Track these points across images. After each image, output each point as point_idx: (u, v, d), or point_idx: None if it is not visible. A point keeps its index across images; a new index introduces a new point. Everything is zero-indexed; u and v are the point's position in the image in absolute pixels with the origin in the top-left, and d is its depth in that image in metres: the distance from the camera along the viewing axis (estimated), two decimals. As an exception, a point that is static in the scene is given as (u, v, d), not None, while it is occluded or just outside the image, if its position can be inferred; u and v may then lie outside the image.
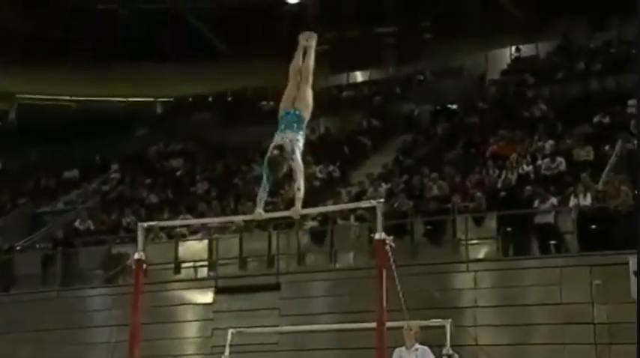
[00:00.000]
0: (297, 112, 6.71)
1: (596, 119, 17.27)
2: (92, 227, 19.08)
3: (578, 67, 21.54)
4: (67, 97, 35.10)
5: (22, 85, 34.76)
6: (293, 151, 6.46)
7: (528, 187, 14.29)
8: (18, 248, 19.34)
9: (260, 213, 6.62)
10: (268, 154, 6.54)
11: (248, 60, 30.68)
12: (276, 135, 6.65)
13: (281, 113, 6.77)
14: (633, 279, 11.90)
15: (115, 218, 19.40)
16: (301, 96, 6.80)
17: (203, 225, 16.52)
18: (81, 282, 16.95)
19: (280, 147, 6.45)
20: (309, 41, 6.97)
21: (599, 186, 14.04)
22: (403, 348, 8.25)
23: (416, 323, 7.98)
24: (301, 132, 6.64)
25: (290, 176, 6.56)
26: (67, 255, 17.50)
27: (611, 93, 18.85)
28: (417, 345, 8.23)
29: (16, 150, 26.83)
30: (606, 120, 17.08)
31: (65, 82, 33.77)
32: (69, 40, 30.63)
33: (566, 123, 17.52)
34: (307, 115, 6.78)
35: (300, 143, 6.58)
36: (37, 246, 19.56)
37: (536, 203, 13.73)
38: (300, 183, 6.47)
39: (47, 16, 30.24)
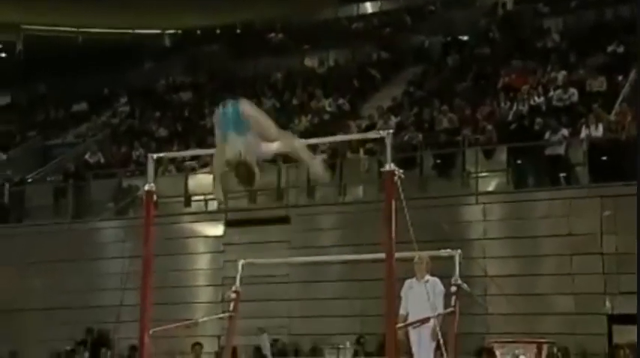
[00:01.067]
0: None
1: (610, 49, 17.02)
2: (102, 160, 19.16)
3: (593, -5, 21.14)
4: (74, 29, 34.74)
5: (28, 16, 34.38)
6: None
7: (539, 119, 14.18)
8: (29, 180, 19.46)
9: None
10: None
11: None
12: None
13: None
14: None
15: (124, 151, 19.46)
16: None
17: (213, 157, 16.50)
18: (92, 214, 17.10)
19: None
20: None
21: (612, 116, 13.93)
22: (414, 280, 8.33)
23: (427, 255, 8.03)
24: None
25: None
26: (78, 188, 17.63)
27: (625, 21, 18.49)
28: (428, 277, 8.30)
29: (24, 82, 26.76)
30: (620, 49, 16.83)
31: (72, 13, 33.33)
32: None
33: (579, 53, 17.31)
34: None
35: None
36: (48, 178, 19.68)
37: (547, 135, 13.65)
38: (307, 156, 5.64)
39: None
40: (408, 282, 8.32)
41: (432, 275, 8.48)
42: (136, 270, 7.25)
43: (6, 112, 25.71)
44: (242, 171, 5.19)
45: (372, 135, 7.87)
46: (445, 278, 8.18)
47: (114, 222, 16.46)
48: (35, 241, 16.05)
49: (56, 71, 26.05)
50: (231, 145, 5.19)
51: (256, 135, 5.24)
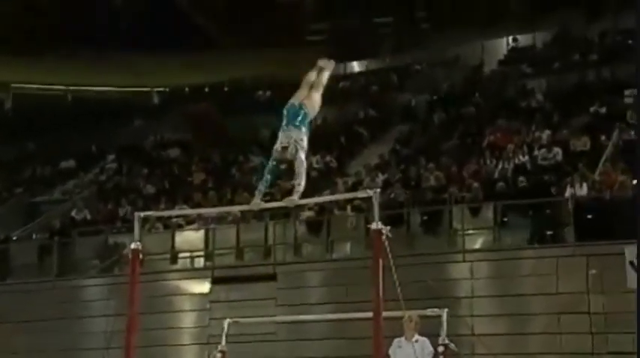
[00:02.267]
0: (302, 107, 6.90)
1: (592, 109, 17.27)
2: (89, 217, 19.06)
3: (575, 57, 21.52)
4: (63, 87, 35.03)
5: (17, 75, 34.66)
6: (297, 151, 6.64)
7: (522, 178, 14.30)
8: (14, 238, 19.30)
9: (257, 203, 6.69)
10: (274, 154, 6.72)
11: (245, 49, 30.63)
12: (280, 134, 6.78)
13: (287, 106, 6.90)
14: (629, 269, 11.92)
15: (111, 208, 19.37)
16: (310, 97, 7.06)
17: (200, 215, 16.51)
18: (77, 272, 16.93)
19: (284, 149, 6.65)
20: (326, 65, 7.41)
21: (596, 176, 14.05)
22: (402, 339, 8.22)
23: (416, 314, 7.96)
24: (304, 130, 6.79)
25: (290, 169, 6.61)
26: (63, 245, 17.48)
27: (607, 83, 18.84)
28: (417, 336, 8.21)
29: (12, 139, 26.75)
30: (603, 110, 17.09)
31: (61, 72, 33.70)
32: (64, 29, 30.53)
33: (562, 113, 17.53)
34: (312, 113, 6.99)
35: (304, 142, 6.76)
36: (34, 235, 19.53)
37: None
38: (302, 179, 6.66)
39: (43, 5, 30.13)
40: (396, 341, 8.22)
41: (421, 334, 8.40)
42: (120, 329, 7.16)
43: (-7, 169, 25.65)
44: (280, 153, 6.66)
45: (360, 194, 7.92)
46: (432, 337, 8.11)
47: (99, 279, 16.28)
48: (19, 299, 15.83)
49: (45, 129, 26.11)
50: (288, 134, 6.75)
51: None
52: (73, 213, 19.34)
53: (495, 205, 13.99)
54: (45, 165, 24.46)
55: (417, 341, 8.10)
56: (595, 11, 23.54)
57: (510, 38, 24.60)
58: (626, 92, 16.80)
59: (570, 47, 22.27)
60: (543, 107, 18.49)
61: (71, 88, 34.84)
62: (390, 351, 8.11)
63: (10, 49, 31.60)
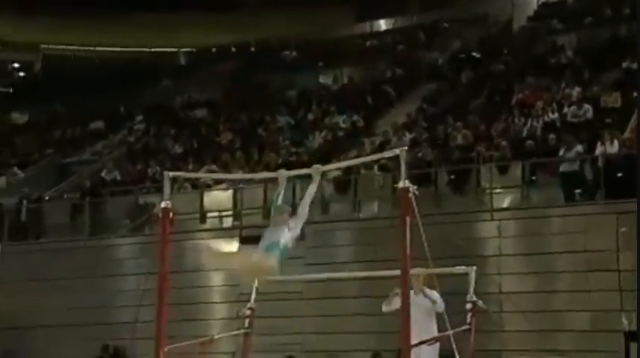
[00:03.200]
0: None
1: (624, 65, 16.96)
2: (118, 177, 19.24)
3: (607, 11, 21.08)
4: (92, 48, 35.14)
5: (47, 36, 34.81)
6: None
7: (552, 135, 14.14)
8: (47, 198, 19.57)
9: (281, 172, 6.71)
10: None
11: (270, 9, 30.41)
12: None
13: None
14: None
15: (140, 168, 19.54)
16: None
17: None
18: (109, 231, 17.16)
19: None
20: None
21: (627, 133, 13.86)
22: (411, 293, 8.15)
23: (423, 270, 7.95)
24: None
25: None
26: (94, 205, 17.70)
27: (640, 38, 18.46)
28: (426, 290, 8.21)
29: (42, 101, 26.99)
30: (634, 65, 16.74)
31: (89, 33, 33.75)
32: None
33: (593, 69, 17.26)
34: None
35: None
36: (65, 195, 19.78)
37: (561, 151, 13.60)
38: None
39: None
40: None
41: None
42: (151, 287, 7.26)
43: (24, 131, 25.94)
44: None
45: (387, 154, 7.87)
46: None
47: (130, 238, 16.49)
48: (52, 258, 16.11)
49: (73, 90, 26.30)
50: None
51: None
52: (103, 174, 19.54)
53: (524, 164, 13.89)
54: (74, 127, 24.69)
55: (424, 295, 8.14)
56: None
57: (540, -7, 24.17)
58: (660, 47, 16.46)
59: (602, 1, 21.80)
60: (573, 63, 18.21)
61: (100, 49, 34.94)
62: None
63: (39, 11, 31.71)
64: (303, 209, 6.52)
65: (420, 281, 8.17)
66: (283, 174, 6.90)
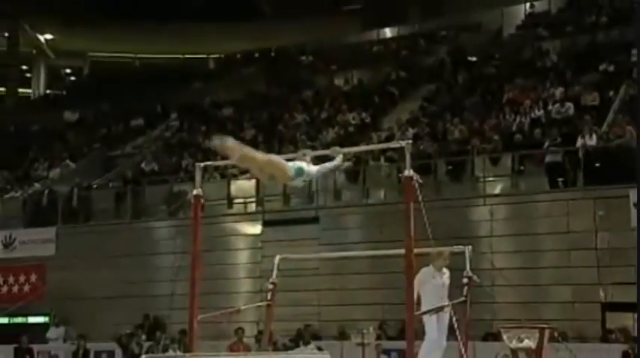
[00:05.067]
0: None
1: (602, 67, 16.79)
2: (156, 168, 19.27)
3: (587, 20, 20.85)
4: (132, 55, 35.26)
5: (93, 44, 34.96)
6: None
7: (538, 130, 14.05)
8: (94, 186, 19.66)
9: (304, 152, 6.55)
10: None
11: (289, 19, 30.34)
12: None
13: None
14: (633, 210, 11.75)
15: (175, 160, 19.55)
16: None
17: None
18: (148, 215, 17.22)
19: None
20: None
21: (604, 127, 13.76)
22: (432, 269, 7.97)
23: (448, 250, 7.82)
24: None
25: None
26: (135, 192, 17.77)
27: (616, 43, 18.23)
28: (444, 269, 8.05)
29: (90, 102, 27.07)
30: (611, 68, 16.60)
31: (130, 41, 33.93)
32: (133, 3, 30.59)
33: (574, 71, 17.08)
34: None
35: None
36: (110, 184, 19.85)
37: (546, 144, 13.51)
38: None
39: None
40: (427, 270, 7.96)
41: (448, 268, 8.26)
42: (185, 264, 7.27)
43: (75, 128, 26.02)
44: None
45: (393, 144, 7.83)
46: (457, 271, 8.09)
47: (166, 222, 16.55)
48: (100, 239, 16.20)
49: (117, 92, 26.37)
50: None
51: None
52: (143, 165, 19.57)
53: (513, 155, 13.82)
54: (118, 124, 24.72)
55: (444, 273, 8.03)
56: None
57: (528, 4, 23.90)
58: (633, 51, 16.26)
59: (582, 11, 21.58)
60: (557, 66, 18.03)
61: (139, 55, 35.05)
62: (422, 278, 7.85)
63: (86, 23, 31.84)
64: (319, 169, 6.41)
65: (442, 259, 7.97)
66: (309, 152, 6.64)
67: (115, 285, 15.67)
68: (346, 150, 6.92)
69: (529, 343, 7.08)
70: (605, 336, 11.70)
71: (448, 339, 7.67)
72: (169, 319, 13.43)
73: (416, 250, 5.85)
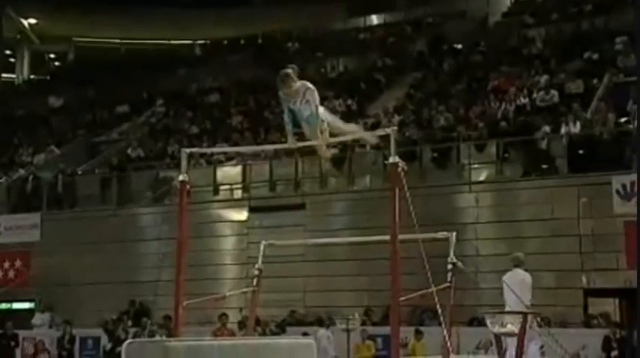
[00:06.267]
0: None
1: (586, 55, 16.84)
2: (142, 154, 19.16)
3: (571, 8, 20.88)
4: (118, 40, 34.89)
5: (78, 29, 34.57)
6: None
7: (523, 117, 14.08)
8: (79, 172, 19.52)
9: (293, 141, 6.58)
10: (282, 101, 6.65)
11: (276, 6, 30.13)
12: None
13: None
14: (616, 197, 11.83)
15: (161, 146, 19.45)
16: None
17: (238, 152, 16.52)
18: (133, 202, 17.12)
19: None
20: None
21: (588, 114, 13.81)
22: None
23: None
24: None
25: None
26: (121, 179, 17.68)
27: (600, 31, 18.30)
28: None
29: (75, 87, 26.82)
30: (595, 56, 16.65)
31: (116, 27, 33.53)
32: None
33: (559, 59, 17.12)
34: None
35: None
36: (95, 170, 19.73)
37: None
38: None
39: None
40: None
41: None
42: (171, 251, 7.23)
43: (60, 113, 25.78)
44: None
45: (379, 132, 7.78)
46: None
47: (152, 208, 16.47)
48: (85, 225, 16.10)
49: (102, 77, 26.11)
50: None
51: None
52: (129, 151, 19.46)
53: (498, 142, 13.85)
54: (103, 110, 24.52)
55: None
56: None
57: (513, -8, 23.90)
58: (617, 40, 16.33)
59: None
60: (542, 54, 18.05)
61: (125, 41, 34.69)
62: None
63: (71, 8, 31.45)
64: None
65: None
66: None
67: (101, 271, 15.61)
68: (333, 140, 6.86)
69: (512, 328, 7.11)
70: (588, 321, 11.81)
71: (433, 325, 7.72)
72: (155, 305, 13.40)
73: (400, 236, 5.84)
